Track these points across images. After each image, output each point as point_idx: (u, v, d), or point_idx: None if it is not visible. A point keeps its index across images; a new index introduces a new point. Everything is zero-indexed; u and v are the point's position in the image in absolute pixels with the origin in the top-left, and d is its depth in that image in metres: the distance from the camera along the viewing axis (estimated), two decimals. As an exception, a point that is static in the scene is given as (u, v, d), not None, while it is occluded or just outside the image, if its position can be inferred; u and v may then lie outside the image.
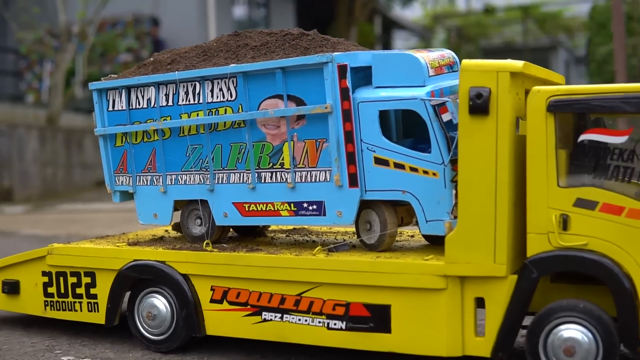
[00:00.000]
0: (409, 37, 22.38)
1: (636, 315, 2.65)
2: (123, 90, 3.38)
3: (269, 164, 3.15)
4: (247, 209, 3.23)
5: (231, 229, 3.61)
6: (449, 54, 3.21)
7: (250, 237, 3.59)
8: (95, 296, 3.34)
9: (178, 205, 3.41)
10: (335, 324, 2.99)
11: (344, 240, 3.31)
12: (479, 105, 2.75)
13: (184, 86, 3.25)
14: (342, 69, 2.97)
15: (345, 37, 15.98)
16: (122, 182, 3.47)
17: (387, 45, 19.57)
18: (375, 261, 2.93)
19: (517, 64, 2.77)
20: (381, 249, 3.08)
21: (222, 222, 3.28)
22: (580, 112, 2.75)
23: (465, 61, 2.82)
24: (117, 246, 3.36)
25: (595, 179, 2.73)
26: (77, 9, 12.10)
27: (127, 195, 3.51)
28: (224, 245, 3.33)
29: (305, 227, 3.80)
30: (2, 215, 10.04)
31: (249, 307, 3.11)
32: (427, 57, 3.02)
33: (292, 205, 3.14)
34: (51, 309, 3.43)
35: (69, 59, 11.75)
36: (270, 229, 3.77)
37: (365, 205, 3.08)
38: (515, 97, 2.80)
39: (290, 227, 3.79)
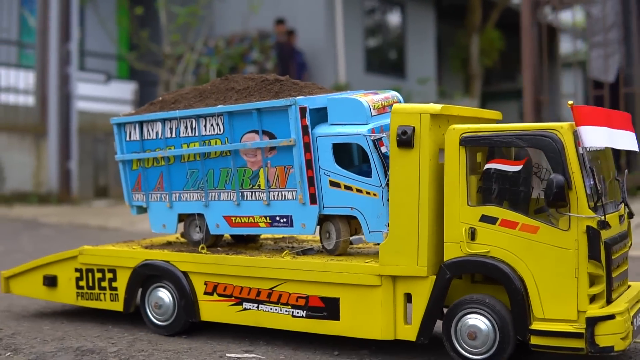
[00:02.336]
0: (572, 40, 21.27)
1: (525, 310, 3.11)
2: (137, 125, 3.93)
3: (250, 185, 3.66)
4: (233, 221, 3.75)
5: (230, 237, 4.14)
6: (393, 95, 3.69)
7: (242, 243, 4.11)
8: (116, 289, 3.88)
9: (182, 217, 3.95)
10: (298, 313, 3.50)
11: (311, 246, 3.83)
12: (404, 140, 3.24)
13: (183, 122, 3.77)
14: (302, 110, 3.47)
15: (467, 44, 15.92)
16: (138, 198, 4.02)
17: (551, 51, 18.91)
18: (327, 262, 3.43)
19: (437, 107, 3.25)
20: (337, 253, 3.57)
21: (215, 231, 3.81)
22: (481, 146, 3.22)
23: (395, 105, 3.31)
24: (133, 248, 3.92)
25: (496, 199, 3.19)
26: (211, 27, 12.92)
27: (142, 210, 4.05)
28: (219, 248, 3.85)
29: (293, 236, 4.29)
30: (89, 207, 11.13)
31: (233, 298, 3.63)
32: (372, 100, 3.51)
33: (267, 218, 3.66)
34: (82, 299, 3.98)
35: (176, 80, 12.41)
36: (262, 237, 4.27)
37: (325, 218, 3.58)
38: (437, 133, 3.26)
39: (280, 236, 4.29)
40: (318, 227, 3.62)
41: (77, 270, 3.97)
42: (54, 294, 4.06)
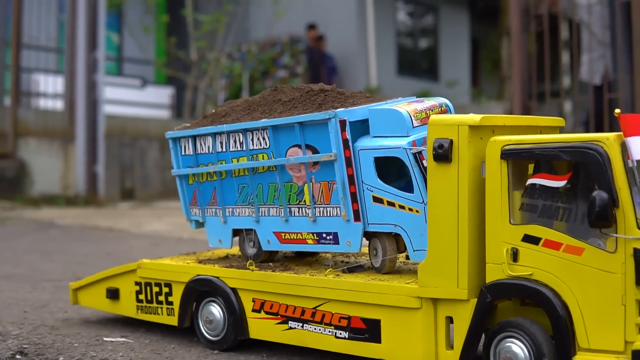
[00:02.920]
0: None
1: (568, 339, 2.80)
2: (190, 139, 3.85)
3: (296, 200, 3.51)
4: (283, 237, 3.60)
5: (292, 252, 3.99)
6: (441, 103, 3.44)
7: (300, 257, 3.95)
8: (171, 303, 3.81)
9: (237, 232, 3.84)
10: (340, 334, 3.31)
11: (362, 263, 3.62)
12: (441, 154, 2.99)
13: (232, 136, 3.66)
14: (342, 123, 3.28)
15: (498, 46, 15.50)
16: (195, 213, 3.94)
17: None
18: (367, 283, 3.22)
19: (476, 118, 2.98)
20: (384, 271, 3.36)
21: (267, 247, 3.67)
22: (523, 159, 2.93)
23: (432, 116, 3.07)
24: (187, 263, 3.84)
25: (540, 217, 2.89)
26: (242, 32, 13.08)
27: (199, 224, 3.96)
28: (270, 264, 3.72)
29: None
30: (115, 209, 11.55)
31: (279, 316, 3.48)
32: (414, 109, 3.27)
33: (314, 235, 3.49)
34: (141, 312, 3.94)
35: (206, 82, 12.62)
36: (322, 252, 4.07)
37: (373, 235, 3.38)
38: (479, 145, 3.00)
39: (339, 252, 4.08)
40: (368, 242, 3.43)
41: (136, 283, 3.93)
42: (116, 306, 4.04)
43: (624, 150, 2.74)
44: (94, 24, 12.15)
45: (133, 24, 14.62)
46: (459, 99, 10.56)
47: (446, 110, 3.42)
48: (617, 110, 2.78)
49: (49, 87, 13.19)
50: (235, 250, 4.17)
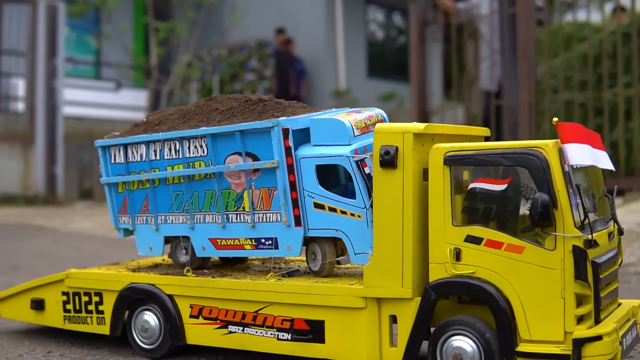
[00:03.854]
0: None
1: (511, 331, 2.90)
2: (121, 147, 3.73)
3: (234, 207, 3.47)
4: (219, 244, 3.54)
5: (218, 258, 3.92)
6: (377, 114, 3.49)
7: (229, 264, 3.88)
8: (102, 312, 3.67)
9: (169, 239, 3.75)
10: (283, 336, 3.29)
11: (298, 267, 3.62)
12: (387, 160, 3.03)
13: (167, 144, 3.58)
14: (285, 131, 3.27)
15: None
16: (124, 221, 3.81)
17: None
18: (312, 285, 3.22)
19: (420, 126, 3.05)
20: (323, 274, 3.37)
21: (201, 254, 3.60)
22: (465, 165, 3.01)
23: (378, 124, 3.11)
24: (119, 271, 3.71)
25: (481, 219, 2.99)
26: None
27: (128, 232, 3.83)
28: (205, 271, 3.64)
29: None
30: (70, 209, 11.64)
31: (218, 321, 3.41)
32: (354, 119, 3.31)
33: (253, 240, 3.45)
34: (69, 322, 3.76)
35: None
36: (250, 258, 4.05)
37: (311, 240, 3.38)
38: (422, 152, 3.06)
39: (267, 257, 4.07)
40: (305, 248, 3.42)
41: (64, 293, 3.77)
42: (41, 317, 3.85)
43: (561, 155, 2.86)
44: (53, 33, 12.26)
45: (110, 29, 14.44)
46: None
47: (382, 120, 3.46)
48: (555, 119, 2.91)
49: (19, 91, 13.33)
50: (159, 260, 4.06)
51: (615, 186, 3.33)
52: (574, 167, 2.90)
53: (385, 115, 3.50)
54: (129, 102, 14.87)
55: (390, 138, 3.04)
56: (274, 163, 3.28)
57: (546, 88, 8.69)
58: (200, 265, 3.67)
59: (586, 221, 2.89)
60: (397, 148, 3.02)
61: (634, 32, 7.89)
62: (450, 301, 3.13)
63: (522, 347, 2.86)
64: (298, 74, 14.64)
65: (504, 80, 8.44)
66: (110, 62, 15.97)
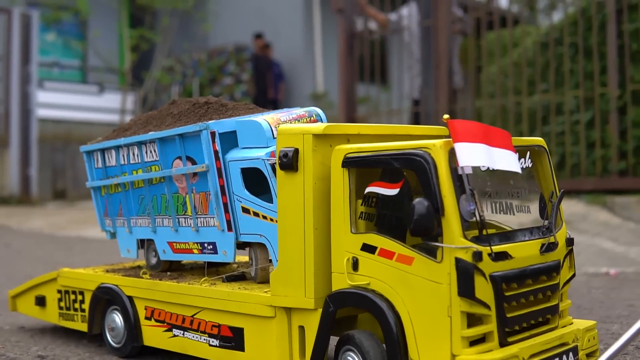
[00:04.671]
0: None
1: (398, 348, 2.55)
2: (99, 152, 3.74)
3: (183, 211, 3.36)
4: (175, 247, 3.45)
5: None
6: (311, 112, 3.22)
7: (210, 266, 3.75)
8: (84, 310, 3.72)
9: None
10: (213, 342, 3.13)
11: (243, 271, 3.42)
12: (286, 163, 2.78)
13: (130, 149, 3.55)
14: (213, 135, 3.12)
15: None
16: (108, 224, 3.83)
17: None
18: (231, 291, 3.03)
19: (319, 127, 2.78)
20: (258, 280, 3.17)
21: (163, 257, 3.52)
22: (362, 167, 2.70)
23: (280, 126, 2.87)
24: (95, 272, 3.73)
25: (376, 226, 2.66)
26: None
27: (113, 234, 3.84)
28: (168, 273, 3.55)
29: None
30: (42, 208, 12.32)
31: (165, 324, 3.32)
32: (277, 120, 3.08)
33: (198, 244, 3.32)
34: (62, 319, 3.84)
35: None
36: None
37: (247, 245, 3.19)
38: (326, 154, 2.79)
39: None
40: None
41: (58, 291, 3.85)
42: (44, 313, 3.96)
43: (454, 157, 2.49)
44: (27, 40, 12.88)
45: (95, 33, 15.43)
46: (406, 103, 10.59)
47: (316, 120, 3.21)
48: (446, 116, 2.53)
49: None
50: (141, 261, 4.02)
51: (562, 191, 2.84)
52: (466, 169, 2.50)
53: (322, 114, 3.24)
54: (112, 105, 15.13)
55: (290, 140, 2.80)
56: (203, 167, 3.14)
57: (483, 94, 9.02)
58: (169, 268, 3.60)
59: (484, 231, 2.49)
60: (296, 150, 2.77)
61: (550, 41, 8.01)
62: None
63: (408, 369, 2.52)
64: (276, 78, 14.69)
65: (422, 88, 8.71)
66: (93, 67, 16.50)
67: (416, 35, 8.87)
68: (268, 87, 14.32)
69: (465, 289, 2.43)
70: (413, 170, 2.53)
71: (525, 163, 2.78)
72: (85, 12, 13.95)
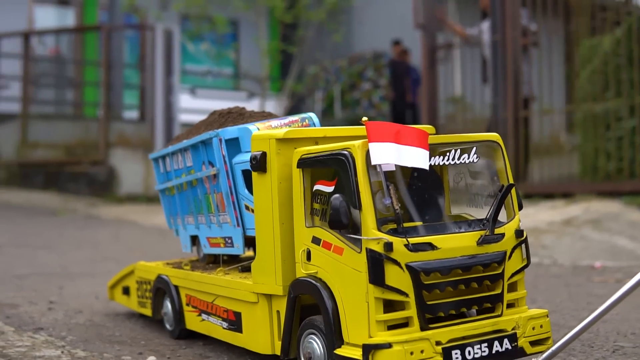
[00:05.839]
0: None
1: (333, 331, 2.83)
2: (160, 159, 4.30)
3: (212, 210, 3.82)
4: (211, 242, 3.91)
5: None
6: (304, 117, 3.53)
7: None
8: (150, 298, 4.30)
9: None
10: (224, 325, 3.56)
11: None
12: (255, 165, 3.16)
13: (177, 155, 4.06)
14: (221, 142, 3.55)
15: None
16: (172, 222, 4.38)
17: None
18: (230, 280, 3.45)
19: (281, 132, 3.12)
20: None
21: (205, 250, 4.01)
22: (310, 167, 2.99)
23: (254, 133, 3.24)
24: (157, 264, 4.28)
25: (320, 220, 2.96)
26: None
27: (177, 232, 4.39)
28: (207, 265, 4.01)
29: None
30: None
31: (197, 309, 3.81)
32: (268, 126, 3.44)
33: (224, 239, 3.77)
34: (139, 307, 4.46)
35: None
36: None
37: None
38: (290, 156, 3.11)
39: None
40: None
41: (137, 282, 4.46)
42: (129, 301, 4.59)
43: (369, 156, 2.74)
44: (169, 55, 13.83)
45: (235, 45, 16.11)
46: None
47: (308, 124, 3.53)
48: (365, 118, 2.79)
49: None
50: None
51: (504, 185, 2.96)
52: (382, 167, 2.75)
53: (315, 119, 3.55)
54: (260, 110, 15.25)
55: (259, 144, 3.18)
56: (214, 170, 3.58)
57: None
58: (214, 261, 4.07)
59: (400, 224, 2.73)
60: (264, 153, 3.14)
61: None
62: None
63: (339, 350, 2.81)
64: (414, 82, 14.75)
65: (493, 97, 9.28)
66: (242, 74, 17.11)
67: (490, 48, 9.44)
68: (406, 91, 14.68)
69: (375, 277, 2.69)
70: (340, 168, 2.82)
71: (469, 158, 2.95)
72: (223, 26, 14.96)
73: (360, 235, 2.73)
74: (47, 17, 18.07)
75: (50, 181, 14.10)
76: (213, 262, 4.08)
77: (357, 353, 2.72)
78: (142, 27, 15.36)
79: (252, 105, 17.13)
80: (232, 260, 4.05)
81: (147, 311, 4.32)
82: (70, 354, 3.60)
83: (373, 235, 2.69)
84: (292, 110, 15.77)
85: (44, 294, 5.35)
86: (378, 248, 2.68)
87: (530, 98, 9.38)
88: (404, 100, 14.93)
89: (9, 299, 5.13)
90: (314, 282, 2.93)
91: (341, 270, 2.82)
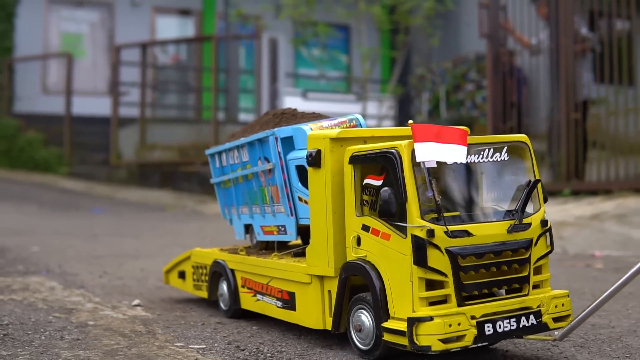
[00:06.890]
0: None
1: (380, 309, 3.27)
2: (216, 155, 4.77)
3: (266, 201, 4.28)
4: (264, 230, 4.38)
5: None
6: (351, 118, 3.98)
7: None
8: (206, 281, 4.77)
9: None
10: (279, 304, 4.03)
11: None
12: (311, 161, 3.62)
13: (234, 151, 4.53)
14: (277, 140, 4.01)
15: None
16: (226, 212, 4.85)
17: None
18: (286, 263, 3.92)
19: (334, 132, 3.58)
20: None
21: (259, 238, 4.47)
22: (361, 163, 3.44)
23: (310, 132, 3.70)
24: (213, 250, 4.75)
25: (370, 210, 3.41)
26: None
27: (231, 221, 4.85)
28: (261, 251, 4.47)
29: None
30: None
31: (252, 290, 4.28)
32: (320, 126, 3.90)
33: (277, 227, 4.23)
34: (194, 289, 4.92)
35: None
36: None
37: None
38: (341, 153, 3.56)
39: None
40: None
41: (192, 266, 4.93)
42: (185, 285, 5.06)
43: (414, 154, 3.19)
44: (274, 63, 14.20)
45: (335, 52, 16.80)
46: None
47: (355, 125, 3.98)
48: (410, 121, 3.24)
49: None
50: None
51: (531, 180, 3.40)
52: (425, 164, 3.19)
53: (361, 120, 4.00)
54: (371, 112, 15.68)
55: (315, 143, 3.64)
56: (270, 165, 4.05)
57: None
58: (265, 247, 4.53)
59: (440, 214, 3.18)
60: (319, 151, 3.60)
61: None
62: None
63: (386, 323, 3.26)
64: (518, 83, 14.93)
65: (551, 101, 9.94)
66: (354, 78, 17.60)
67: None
68: (510, 92, 15.10)
69: (419, 259, 3.14)
70: (389, 165, 3.27)
71: (501, 156, 3.39)
72: (325, 34, 15.40)
73: (406, 223, 3.18)
74: (169, 27, 18.92)
75: (165, 180, 14.79)
76: (265, 248, 4.54)
77: (402, 325, 3.17)
78: (248, 36, 16.02)
79: (357, 108, 17.78)
80: (281, 247, 4.52)
81: (203, 293, 4.79)
82: (89, 299, 4.69)
83: (417, 223, 3.14)
84: (398, 111, 16.43)
85: (105, 268, 6.10)
86: (421, 234, 3.13)
87: (589, 101, 9.83)
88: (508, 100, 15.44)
89: (75, 270, 5.88)
90: (363, 264, 3.39)
91: (388, 254, 3.28)
